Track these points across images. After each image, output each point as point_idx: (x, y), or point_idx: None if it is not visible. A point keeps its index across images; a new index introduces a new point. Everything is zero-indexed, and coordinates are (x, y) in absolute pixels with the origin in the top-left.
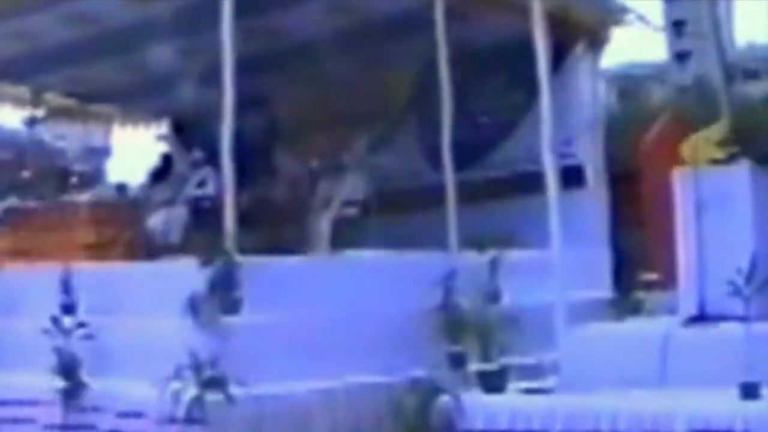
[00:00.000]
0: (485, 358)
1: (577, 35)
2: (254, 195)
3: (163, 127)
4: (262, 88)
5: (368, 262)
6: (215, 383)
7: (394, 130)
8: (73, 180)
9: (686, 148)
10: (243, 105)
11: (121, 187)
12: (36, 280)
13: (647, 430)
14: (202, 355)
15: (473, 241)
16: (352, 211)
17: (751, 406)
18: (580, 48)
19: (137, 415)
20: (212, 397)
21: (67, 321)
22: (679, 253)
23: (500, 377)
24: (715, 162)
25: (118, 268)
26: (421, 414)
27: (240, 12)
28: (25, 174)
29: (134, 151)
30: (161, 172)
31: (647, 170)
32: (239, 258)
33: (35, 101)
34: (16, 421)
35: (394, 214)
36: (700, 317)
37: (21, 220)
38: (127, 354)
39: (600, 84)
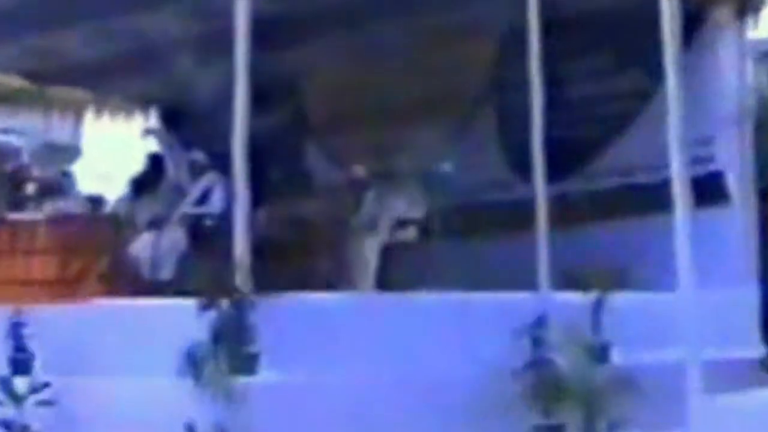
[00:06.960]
0: None
1: None
2: (277, 211)
3: (152, 119)
4: (289, 67)
5: (429, 303)
6: None
7: (467, 126)
8: (30, 189)
9: None
10: (262, 90)
11: (95, 200)
12: None
13: None
14: (204, 427)
15: (572, 277)
16: (408, 234)
17: None
18: (722, 14)
19: None
20: None
21: (19, 383)
22: None
23: None
24: None
25: (90, 311)
26: None
27: None
28: None
29: (112, 150)
30: (149, 180)
31: None
32: (254, 298)
33: None
34: None
35: (465, 238)
36: None
37: None
38: (101, 427)
39: (749, 63)
